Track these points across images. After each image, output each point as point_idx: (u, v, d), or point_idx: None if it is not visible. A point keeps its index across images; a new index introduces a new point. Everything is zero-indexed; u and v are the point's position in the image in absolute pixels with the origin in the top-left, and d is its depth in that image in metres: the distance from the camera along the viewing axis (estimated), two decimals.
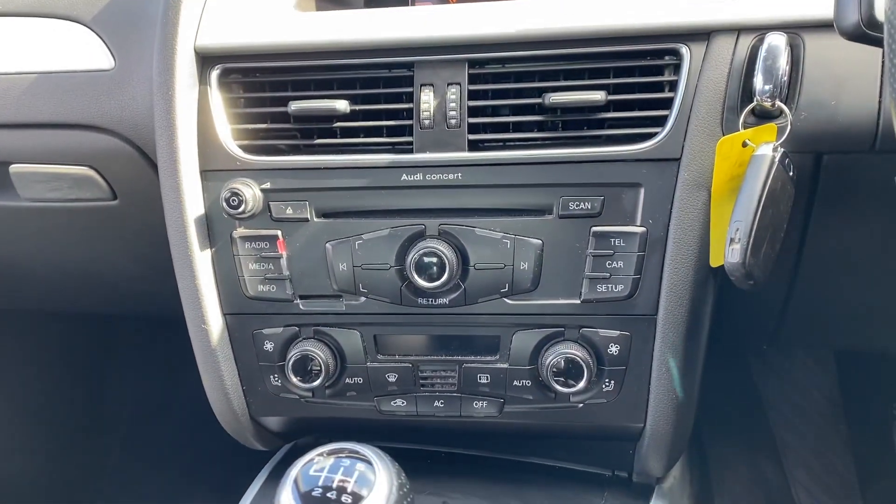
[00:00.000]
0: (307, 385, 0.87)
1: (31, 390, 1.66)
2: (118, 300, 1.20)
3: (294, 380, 0.87)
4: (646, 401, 0.83)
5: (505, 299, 0.83)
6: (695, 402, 0.91)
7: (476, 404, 0.86)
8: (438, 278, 0.81)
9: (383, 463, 0.57)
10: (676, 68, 0.78)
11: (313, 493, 0.56)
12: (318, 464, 0.56)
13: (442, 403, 0.87)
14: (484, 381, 0.86)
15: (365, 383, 0.88)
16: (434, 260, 0.81)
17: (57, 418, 1.65)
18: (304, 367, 0.86)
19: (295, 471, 0.55)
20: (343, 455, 0.57)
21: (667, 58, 0.78)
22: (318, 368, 0.88)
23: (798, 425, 1.49)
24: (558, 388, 0.82)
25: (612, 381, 0.83)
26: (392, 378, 0.87)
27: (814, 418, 1.49)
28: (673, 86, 0.79)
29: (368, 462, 0.57)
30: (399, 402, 0.88)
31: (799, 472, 1.43)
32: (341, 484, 0.56)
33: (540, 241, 0.81)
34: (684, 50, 0.78)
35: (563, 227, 0.81)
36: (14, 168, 1.06)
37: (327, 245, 0.84)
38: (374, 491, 0.55)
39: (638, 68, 0.80)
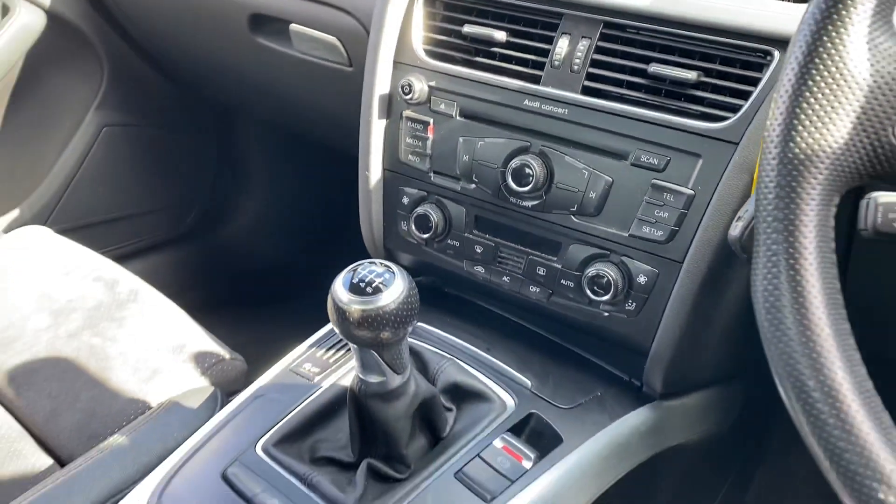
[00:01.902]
0: (421, 235, 0.96)
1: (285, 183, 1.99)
2: (336, 139, 1.43)
3: (413, 229, 0.98)
4: (657, 327, 0.84)
5: (572, 216, 0.86)
6: (708, 350, 0.95)
7: (531, 288, 0.91)
8: (526, 186, 0.86)
9: (402, 275, 0.73)
10: (763, 67, 0.77)
11: (353, 281, 0.74)
12: (364, 268, 0.74)
13: (508, 279, 0.93)
14: (541, 272, 0.90)
15: (460, 247, 0.95)
16: (527, 171, 0.86)
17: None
18: (422, 222, 0.96)
19: (350, 269, 0.73)
20: (379, 266, 0.74)
21: (758, 56, 0.77)
22: (431, 226, 0.96)
23: None
24: (591, 294, 0.86)
25: (634, 304, 0.84)
26: (478, 249, 0.94)
27: None
28: (755, 81, 0.78)
29: (393, 272, 0.74)
30: (479, 268, 0.95)
31: None
32: (372, 279, 0.73)
33: (611, 179, 0.84)
34: (776, 53, 0.75)
35: (631, 172, 0.82)
36: (293, 27, 1.30)
37: (460, 139, 0.92)
38: (391, 289, 0.72)
39: (735, 60, 0.79)
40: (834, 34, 0.46)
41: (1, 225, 1.57)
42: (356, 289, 0.70)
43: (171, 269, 1.82)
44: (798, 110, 0.47)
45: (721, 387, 0.98)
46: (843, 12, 0.46)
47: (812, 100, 0.47)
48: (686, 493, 1.04)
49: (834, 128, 0.47)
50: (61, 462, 0.97)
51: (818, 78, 0.47)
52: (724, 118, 0.79)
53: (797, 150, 0.48)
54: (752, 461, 1.24)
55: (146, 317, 1.14)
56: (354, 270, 0.71)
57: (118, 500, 0.81)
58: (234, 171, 1.92)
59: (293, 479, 0.79)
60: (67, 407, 1.02)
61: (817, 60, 0.47)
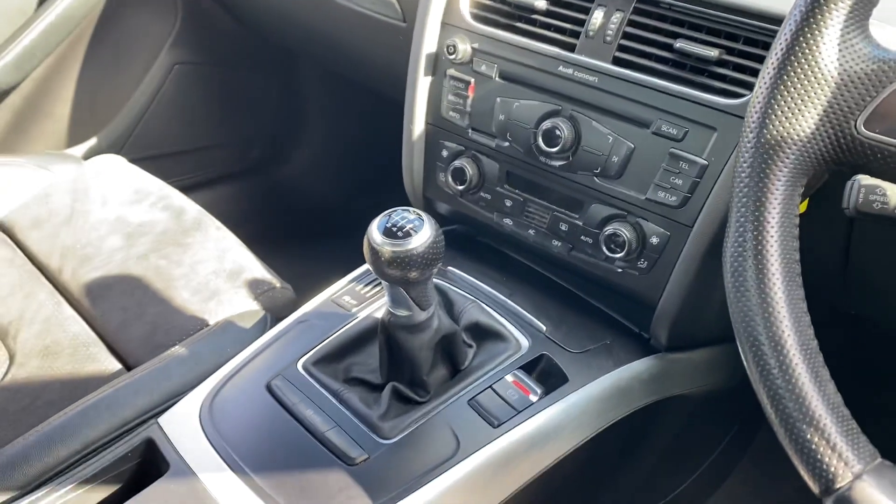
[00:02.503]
0: (457, 187, 1.04)
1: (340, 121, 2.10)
2: (386, 90, 1.47)
3: (450, 180, 1.05)
4: (665, 284, 0.90)
5: (595, 178, 0.93)
6: (712, 309, 1.00)
7: (554, 242, 0.98)
8: (555, 146, 0.93)
9: (430, 223, 0.82)
10: None
11: (387, 225, 0.83)
12: (397, 214, 0.83)
13: (533, 232, 1.00)
14: (563, 228, 0.97)
15: (492, 200, 1.03)
16: (557, 133, 0.92)
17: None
18: (459, 175, 1.04)
19: (384, 214, 0.82)
20: (411, 213, 0.83)
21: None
22: (467, 179, 1.03)
23: None
24: (607, 251, 0.93)
25: (646, 262, 0.91)
26: (508, 203, 1.01)
27: None
28: None
29: (422, 220, 0.82)
30: (508, 220, 1.02)
31: None
32: (404, 225, 0.82)
33: (632, 145, 0.90)
34: None
35: (651, 140, 0.88)
36: None
37: (497, 99, 0.98)
38: (419, 234, 0.81)
39: (757, 41, 0.84)
40: (809, 34, 0.52)
41: (80, 152, 1.70)
42: (389, 232, 0.79)
43: (231, 201, 1.94)
44: (773, 101, 0.54)
45: (725, 346, 1.05)
46: (819, 16, 0.52)
47: (786, 91, 0.54)
48: (683, 445, 1.11)
49: (803, 118, 0.54)
50: (128, 367, 1.10)
51: (792, 73, 0.53)
52: (741, 95, 0.85)
53: (769, 136, 0.54)
54: (752, 423, 1.30)
55: (207, 244, 1.26)
56: (388, 216, 0.80)
57: (176, 402, 0.93)
58: (294, 114, 2.02)
59: (327, 394, 0.90)
60: (136, 319, 1.15)
61: (793, 57, 0.53)
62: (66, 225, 1.34)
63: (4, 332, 1.18)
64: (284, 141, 2.03)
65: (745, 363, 0.56)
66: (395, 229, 0.78)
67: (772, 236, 0.55)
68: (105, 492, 0.83)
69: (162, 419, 0.88)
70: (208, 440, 0.84)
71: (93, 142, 1.72)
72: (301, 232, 1.98)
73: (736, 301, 0.56)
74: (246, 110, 1.98)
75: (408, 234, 0.77)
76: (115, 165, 1.46)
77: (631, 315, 1.00)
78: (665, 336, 0.96)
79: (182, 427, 0.86)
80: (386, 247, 0.78)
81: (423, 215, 0.78)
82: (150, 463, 0.85)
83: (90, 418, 0.92)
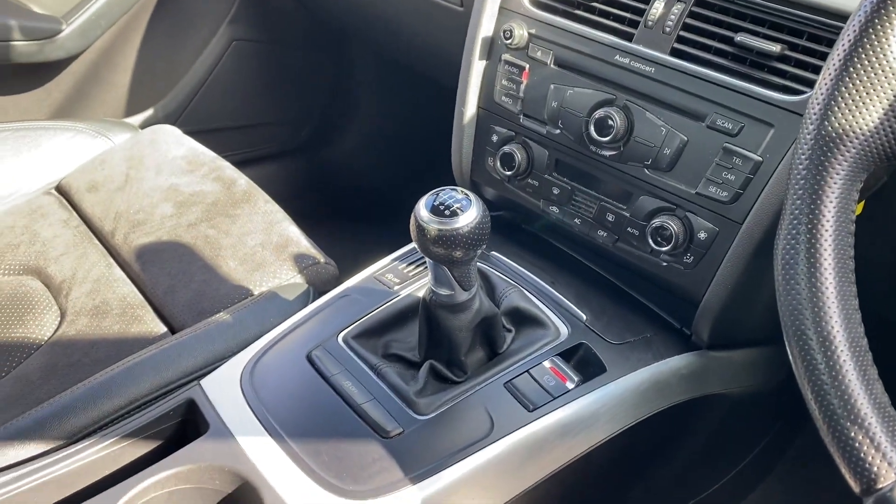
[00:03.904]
0: (505, 172, 1.04)
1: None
2: (439, 74, 1.50)
3: (499, 165, 1.05)
4: (710, 280, 0.89)
5: (645, 169, 0.92)
6: (756, 309, 0.99)
7: (599, 232, 0.98)
8: (607, 136, 0.92)
9: (477, 204, 0.82)
10: None
11: (435, 203, 0.83)
12: (445, 193, 0.83)
13: (579, 221, 1.00)
14: (610, 218, 0.97)
15: (539, 187, 1.03)
16: (609, 122, 0.92)
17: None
18: (507, 160, 1.03)
19: (433, 192, 0.82)
20: (458, 193, 0.83)
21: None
22: (515, 164, 1.03)
23: None
24: (653, 244, 0.92)
25: (692, 257, 0.90)
26: (555, 191, 1.01)
27: None
28: None
29: (470, 200, 0.82)
30: (554, 208, 1.02)
31: None
32: (451, 204, 0.82)
33: (686, 138, 0.89)
34: None
35: (706, 134, 0.87)
36: None
37: (551, 86, 0.98)
38: (466, 214, 0.81)
39: (822, 37, 0.82)
40: (879, 25, 0.51)
41: (137, 121, 1.74)
42: (436, 210, 0.79)
43: (279, 179, 1.97)
44: (837, 92, 0.53)
45: (767, 348, 1.03)
46: (891, 6, 0.51)
47: (851, 83, 0.53)
48: (719, 444, 1.10)
49: (867, 111, 0.53)
50: (173, 330, 1.12)
51: (859, 64, 0.52)
52: (801, 92, 0.83)
53: (831, 129, 0.53)
54: (791, 427, 1.28)
55: (256, 216, 1.28)
56: (436, 194, 0.80)
57: (219, 366, 0.95)
58: (345, 96, 2.04)
59: (366, 368, 0.91)
60: (183, 285, 1.18)
61: (860, 49, 0.52)
62: (120, 191, 1.37)
63: (57, 290, 1.22)
64: (334, 122, 2.05)
65: (790, 357, 0.56)
66: (442, 208, 0.79)
67: (826, 230, 0.54)
68: (146, 447, 0.85)
69: (204, 381, 0.90)
70: (248, 404, 0.86)
71: (149, 112, 1.76)
72: (346, 213, 2.00)
73: (785, 294, 0.55)
74: (298, 90, 2.00)
75: (454, 214, 0.78)
76: (170, 135, 1.50)
77: (673, 310, 0.99)
78: (707, 333, 0.95)
79: (223, 390, 0.88)
80: (432, 225, 0.78)
81: (471, 195, 0.79)
82: (191, 423, 0.87)
83: (135, 376, 0.95)
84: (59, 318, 1.18)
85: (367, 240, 1.38)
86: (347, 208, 2.02)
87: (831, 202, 0.54)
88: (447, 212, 0.79)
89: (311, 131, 2.04)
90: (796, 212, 0.55)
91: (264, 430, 0.83)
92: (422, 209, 0.79)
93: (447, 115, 1.15)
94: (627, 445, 0.95)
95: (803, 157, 0.55)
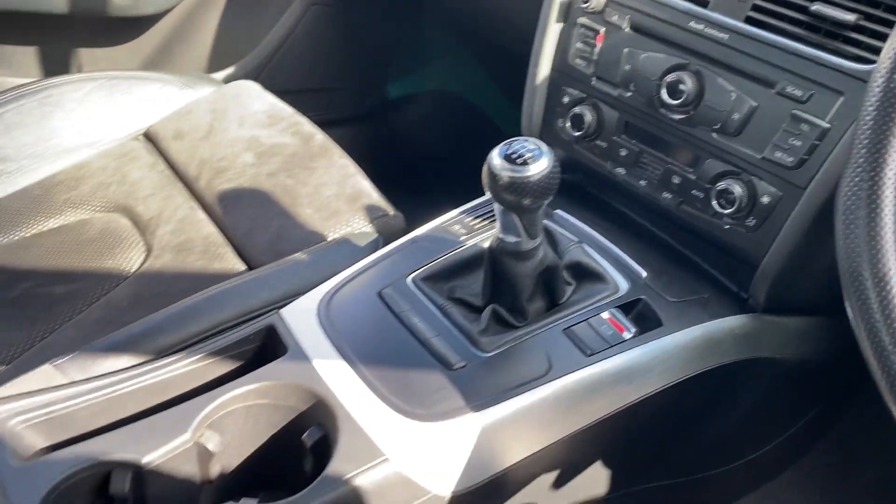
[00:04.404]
0: (574, 133, 1.08)
1: None
2: (511, 39, 1.53)
3: (568, 126, 1.09)
4: (770, 244, 0.92)
5: (713, 133, 0.94)
6: (815, 275, 1.00)
7: (664, 194, 1.01)
8: (678, 99, 0.95)
9: (549, 154, 0.86)
10: None
11: (508, 152, 0.88)
12: (518, 143, 0.88)
13: (645, 183, 1.03)
14: (675, 181, 1.00)
15: (607, 148, 1.06)
16: (681, 87, 0.95)
17: None
18: (577, 121, 1.07)
19: (506, 142, 0.87)
20: (531, 143, 0.87)
21: None
22: (585, 126, 1.07)
23: None
24: (717, 206, 0.95)
25: (755, 220, 0.93)
26: (623, 152, 1.05)
27: None
28: None
29: (542, 151, 0.87)
30: (620, 170, 1.06)
31: None
32: (523, 153, 0.87)
33: (755, 104, 0.91)
34: None
35: (774, 100, 0.90)
36: None
37: (625, 49, 1.01)
38: (537, 163, 0.86)
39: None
40: None
41: (220, 77, 1.82)
42: (509, 158, 0.83)
43: (353, 141, 2.03)
44: None
45: (821, 318, 1.05)
46: None
47: None
48: (765, 410, 1.13)
49: None
50: (252, 268, 1.20)
51: None
52: (873, 61, 0.85)
53: None
54: (837, 405, 1.30)
55: (332, 169, 1.34)
56: (509, 144, 0.84)
57: (294, 300, 1.02)
58: (419, 62, 2.09)
59: (432, 307, 0.96)
60: (262, 228, 1.25)
61: None
62: (204, 139, 1.45)
63: (144, 228, 1.31)
64: (408, 86, 2.10)
65: (845, 298, 0.59)
66: (514, 156, 0.83)
67: (889, 178, 0.57)
68: (228, 366, 0.92)
69: (283, 310, 0.97)
70: (323, 332, 0.92)
71: (231, 70, 1.84)
72: (414, 177, 2.06)
73: (844, 238, 0.58)
74: (371, 55, 2.06)
75: (526, 163, 0.82)
76: (252, 91, 1.57)
77: (731, 273, 1.02)
78: (763, 296, 0.98)
79: (300, 319, 0.95)
80: (504, 172, 0.83)
81: (543, 146, 0.83)
82: (269, 347, 0.94)
83: (220, 303, 1.02)
84: (145, 253, 1.27)
85: (434, 199, 1.43)
86: (415, 174, 2.08)
87: (895, 150, 0.57)
88: (519, 160, 0.83)
89: (382, 97, 2.10)
90: (860, 159, 0.58)
91: (338, 356, 0.89)
92: (495, 157, 0.84)
93: (518, 81, 1.18)
94: (677, 400, 0.98)
95: (871, 108, 0.58)
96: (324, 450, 0.83)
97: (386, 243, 1.19)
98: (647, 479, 1.08)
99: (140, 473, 0.79)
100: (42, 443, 0.82)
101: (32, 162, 1.42)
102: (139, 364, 0.93)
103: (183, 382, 0.90)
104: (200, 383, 0.91)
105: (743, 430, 1.12)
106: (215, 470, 0.85)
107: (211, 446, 0.83)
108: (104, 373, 0.92)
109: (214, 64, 1.83)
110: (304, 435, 0.85)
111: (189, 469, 0.82)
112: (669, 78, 0.98)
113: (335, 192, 1.30)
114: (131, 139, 1.49)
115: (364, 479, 0.79)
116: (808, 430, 1.26)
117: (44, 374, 0.92)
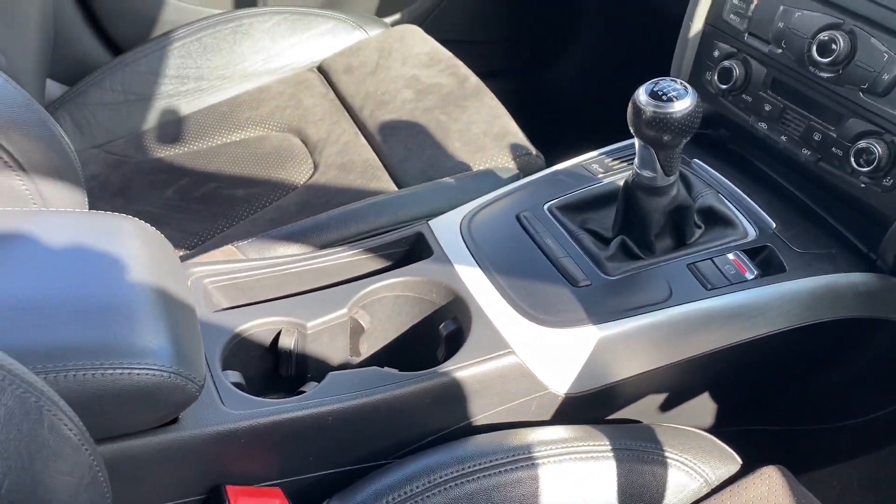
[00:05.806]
0: (721, 86, 1.11)
1: None
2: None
3: (716, 79, 1.12)
4: None
5: (860, 93, 0.96)
6: None
7: (804, 150, 1.04)
8: (828, 58, 0.98)
9: (692, 94, 0.88)
10: None
11: (654, 89, 0.93)
12: (664, 82, 0.93)
13: (785, 139, 1.05)
14: (816, 138, 1.02)
15: (751, 102, 1.09)
16: (833, 46, 0.97)
17: None
18: (726, 75, 1.10)
19: (653, 80, 0.93)
20: (678, 83, 0.92)
21: None
22: (732, 79, 1.09)
23: None
24: (855, 165, 0.97)
25: (892, 181, 0.94)
26: (767, 108, 1.07)
27: None
28: None
29: (687, 90, 0.91)
30: (763, 124, 1.08)
31: None
32: (668, 91, 0.92)
33: None
34: None
35: None
36: None
37: (780, 7, 1.04)
38: (681, 101, 0.91)
39: None
40: None
41: (389, 20, 1.95)
42: (654, 95, 0.90)
43: (503, 90, 2.11)
44: None
45: None
46: None
47: None
48: (879, 373, 1.13)
49: None
50: None
51: None
52: None
53: None
54: None
55: (482, 109, 1.44)
56: (656, 82, 0.90)
57: (439, 216, 1.12)
58: (569, 20, 2.13)
59: (565, 233, 1.04)
60: (415, 156, 1.37)
61: None
62: (370, 75, 1.58)
63: (313, 147, 1.46)
64: (553, 45, 2.16)
65: None
66: (660, 93, 0.89)
67: None
68: (381, 263, 1.04)
69: (431, 221, 1.08)
70: (464, 242, 1.03)
71: (398, 15, 1.97)
72: (561, 126, 2.12)
73: None
74: (524, 11, 2.12)
75: (670, 100, 0.88)
76: (416, 34, 1.68)
77: (861, 232, 1.04)
78: (892, 257, 0.99)
79: (446, 230, 1.05)
80: (649, 107, 0.89)
81: (688, 87, 0.88)
82: (416, 250, 1.05)
83: (377, 210, 1.15)
84: (312, 169, 1.42)
85: (577, 147, 1.50)
86: (560, 132, 2.14)
87: None
88: (664, 97, 0.89)
89: (531, 53, 2.17)
90: None
91: (475, 263, 0.99)
92: (641, 93, 0.90)
93: (665, 45, 1.22)
94: (791, 347, 1.02)
95: None
96: (457, 341, 0.94)
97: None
98: (752, 420, 1.12)
99: (304, 335, 0.92)
100: (226, 303, 0.98)
101: (222, 82, 1.61)
102: (305, 253, 1.07)
103: (342, 271, 1.03)
104: (357, 274, 1.03)
105: (855, 389, 1.14)
106: (364, 345, 0.98)
107: (364, 323, 0.96)
108: (275, 257, 1.07)
109: (385, 8, 1.96)
110: (441, 325, 0.96)
111: (343, 339, 0.95)
112: (822, 36, 1.00)
113: (483, 129, 1.40)
114: (307, 70, 1.65)
115: (490, 366, 0.89)
116: None
117: (227, 252, 1.08)
